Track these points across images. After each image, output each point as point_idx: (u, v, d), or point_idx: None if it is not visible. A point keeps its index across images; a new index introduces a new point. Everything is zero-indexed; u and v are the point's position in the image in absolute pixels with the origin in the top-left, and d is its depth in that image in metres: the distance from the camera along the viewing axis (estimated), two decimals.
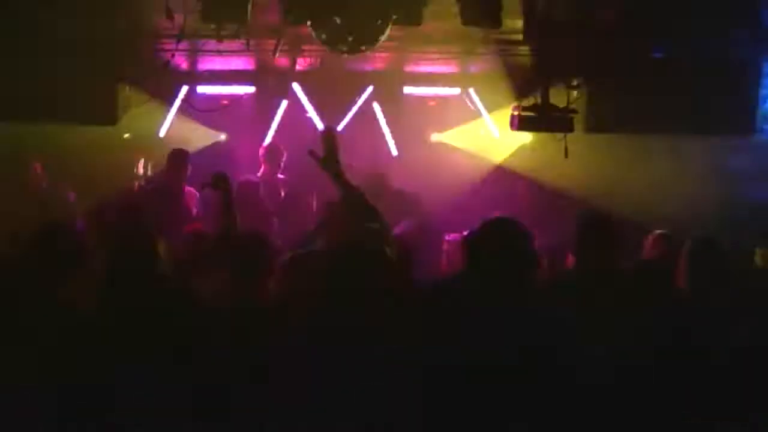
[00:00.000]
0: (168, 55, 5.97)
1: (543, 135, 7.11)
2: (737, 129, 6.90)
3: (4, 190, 7.23)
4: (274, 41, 6.12)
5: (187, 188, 6.91)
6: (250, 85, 7.76)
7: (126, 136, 7.83)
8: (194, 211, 6.86)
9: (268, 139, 7.81)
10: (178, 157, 6.95)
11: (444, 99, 8.21)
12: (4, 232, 5.92)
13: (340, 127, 7.62)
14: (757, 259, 5.34)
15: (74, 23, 5.83)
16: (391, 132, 8.15)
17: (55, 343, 3.10)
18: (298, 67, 7.20)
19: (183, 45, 5.76)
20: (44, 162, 7.18)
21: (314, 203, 7.01)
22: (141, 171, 8.18)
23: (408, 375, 2.78)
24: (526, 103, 6.72)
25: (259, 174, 7.22)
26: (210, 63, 7.18)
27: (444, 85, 8.04)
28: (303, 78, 7.72)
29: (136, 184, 8.05)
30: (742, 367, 3.35)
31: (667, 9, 5.87)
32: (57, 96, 6.19)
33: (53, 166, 7.20)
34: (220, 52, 6.17)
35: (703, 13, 5.88)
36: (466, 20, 5.36)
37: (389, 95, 8.03)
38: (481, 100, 7.99)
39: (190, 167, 6.91)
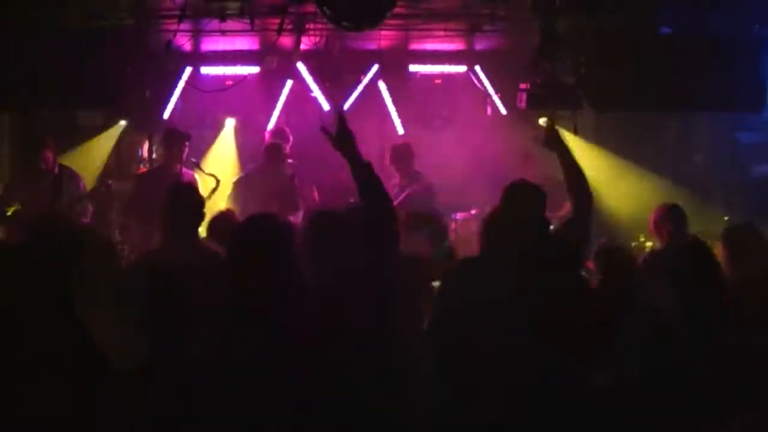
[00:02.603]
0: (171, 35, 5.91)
1: None
2: (747, 105, 6.80)
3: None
4: (278, 20, 6.04)
5: (184, 170, 6.68)
6: (255, 65, 7.67)
7: (122, 121, 7.75)
8: None
9: (273, 120, 7.75)
10: (173, 137, 6.73)
11: (450, 77, 8.11)
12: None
13: (345, 107, 7.55)
14: None
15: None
16: (397, 110, 8.06)
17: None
18: (302, 47, 7.10)
19: (186, 26, 5.71)
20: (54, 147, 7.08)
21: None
22: (145, 154, 8.12)
23: None
24: (533, 80, 6.62)
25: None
26: (214, 44, 7.11)
27: (450, 63, 7.94)
28: (308, 58, 7.63)
29: (140, 167, 8.01)
30: None
31: None
32: (63, 81, 6.10)
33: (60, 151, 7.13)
34: (223, 32, 6.12)
35: None
36: None
37: (395, 74, 7.93)
38: (488, 77, 7.88)
39: (186, 147, 6.70)
